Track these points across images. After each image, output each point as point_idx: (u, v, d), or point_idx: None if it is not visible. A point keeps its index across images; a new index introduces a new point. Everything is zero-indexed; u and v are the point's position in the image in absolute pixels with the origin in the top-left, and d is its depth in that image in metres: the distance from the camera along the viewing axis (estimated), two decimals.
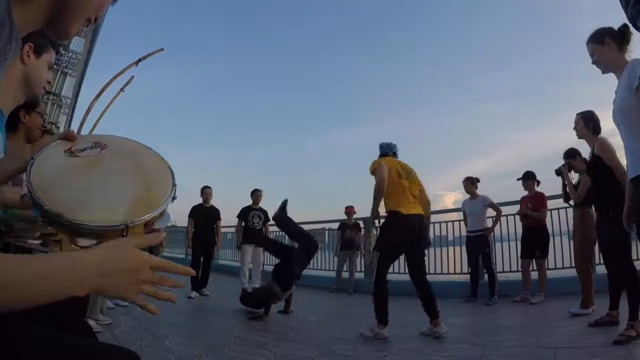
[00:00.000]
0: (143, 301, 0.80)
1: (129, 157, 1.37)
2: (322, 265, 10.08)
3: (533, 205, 6.16)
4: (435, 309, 4.13)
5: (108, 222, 1.12)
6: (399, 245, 4.42)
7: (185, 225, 8.49)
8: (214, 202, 8.43)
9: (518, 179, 6.46)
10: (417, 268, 4.43)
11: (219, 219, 8.42)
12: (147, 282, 0.79)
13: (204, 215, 8.19)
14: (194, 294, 7.41)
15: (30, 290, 0.63)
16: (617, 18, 2.97)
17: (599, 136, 4.09)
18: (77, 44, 35.64)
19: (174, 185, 1.34)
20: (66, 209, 1.11)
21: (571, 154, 5.20)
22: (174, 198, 1.35)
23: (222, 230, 14.15)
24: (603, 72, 3.01)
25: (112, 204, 1.18)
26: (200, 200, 8.34)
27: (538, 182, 6.37)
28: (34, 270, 0.64)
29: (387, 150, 4.69)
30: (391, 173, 4.34)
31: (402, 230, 4.29)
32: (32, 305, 0.64)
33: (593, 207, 4.55)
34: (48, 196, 1.09)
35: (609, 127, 3.68)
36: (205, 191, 8.30)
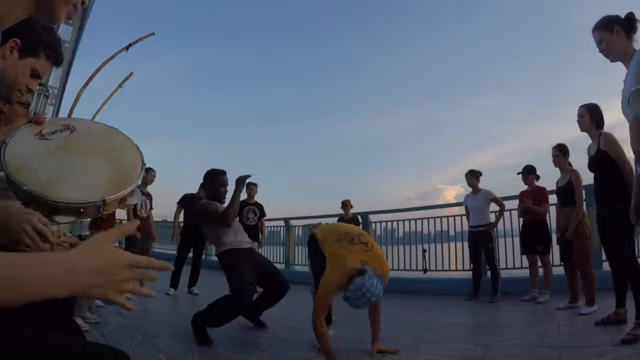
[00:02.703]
0: (123, 299, 0.80)
1: (98, 139, 1.48)
2: None
3: (534, 200, 6.14)
4: None
5: (86, 199, 1.24)
6: None
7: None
8: None
9: (518, 174, 6.44)
10: None
11: None
12: (127, 279, 0.79)
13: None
14: (171, 291, 7.19)
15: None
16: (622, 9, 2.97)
17: (605, 131, 4.12)
18: (64, 32, 35.34)
19: (144, 164, 1.47)
20: (44, 187, 1.20)
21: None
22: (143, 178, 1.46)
23: None
24: (612, 61, 2.99)
25: (87, 183, 1.30)
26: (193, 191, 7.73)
27: (538, 177, 6.37)
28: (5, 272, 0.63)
29: None
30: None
31: None
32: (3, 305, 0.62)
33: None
34: (25, 178, 1.18)
35: (613, 120, 3.70)
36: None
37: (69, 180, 1.27)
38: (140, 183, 1.44)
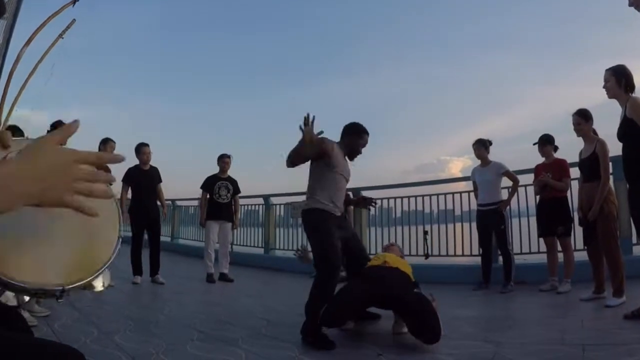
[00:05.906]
0: (79, 202, 0.83)
1: None
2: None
3: (554, 175, 6.10)
4: None
5: (44, 284, 1.18)
6: None
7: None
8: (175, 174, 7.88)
9: (534, 144, 6.39)
10: None
11: (161, 181, 7.84)
12: (79, 179, 0.82)
13: (143, 180, 7.57)
14: (138, 279, 7.19)
15: None
16: None
17: (632, 95, 4.12)
18: None
19: (120, 237, 1.38)
20: None
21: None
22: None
23: (184, 203, 14.14)
24: None
25: (48, 261, 1.21)
26: (136, 162, 7.68)
27: (556, 148, 6.32)
28: None
29: None
30: None
31: None
32: None
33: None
34: None
35: None
36: (143, 150, 7.59)
37: (28, 253, 1.20)
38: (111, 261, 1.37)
